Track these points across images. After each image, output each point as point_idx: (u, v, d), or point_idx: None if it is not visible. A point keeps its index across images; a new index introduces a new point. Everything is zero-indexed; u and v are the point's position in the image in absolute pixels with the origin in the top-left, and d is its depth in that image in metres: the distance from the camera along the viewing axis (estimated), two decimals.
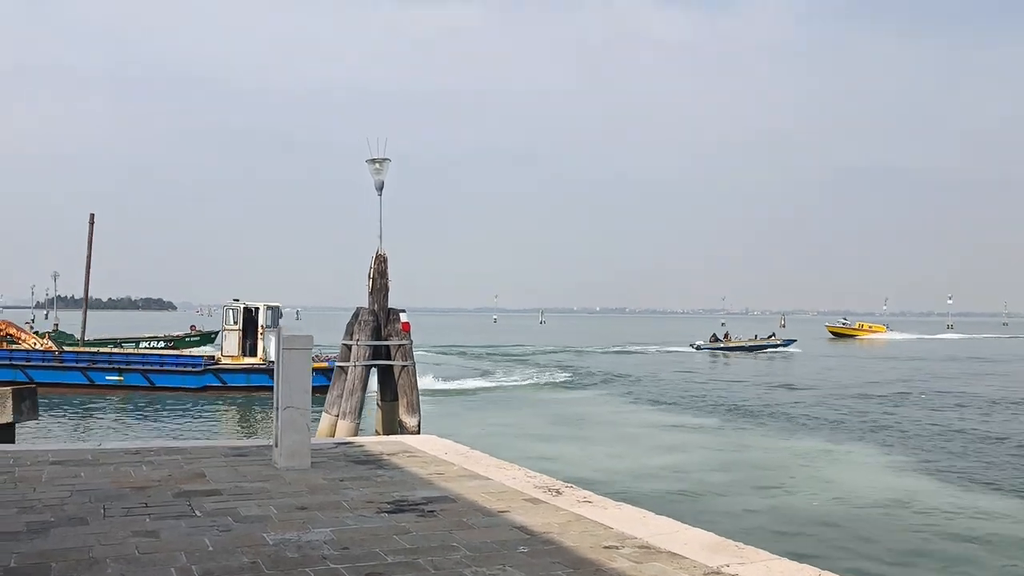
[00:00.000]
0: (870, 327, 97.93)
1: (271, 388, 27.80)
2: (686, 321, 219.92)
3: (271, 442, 7.66)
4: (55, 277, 74.36)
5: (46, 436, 19.22)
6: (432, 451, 8.20)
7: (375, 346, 15.11)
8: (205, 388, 28.71)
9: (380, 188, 15.88)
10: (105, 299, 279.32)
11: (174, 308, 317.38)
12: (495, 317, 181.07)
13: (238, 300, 30.28)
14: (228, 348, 30.02)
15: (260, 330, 29.63)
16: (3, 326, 31.00)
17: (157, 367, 29.43)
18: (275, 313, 31.02)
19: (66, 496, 5.89)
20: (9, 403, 8.99)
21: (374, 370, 15.46)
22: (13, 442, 9.19)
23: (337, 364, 15.44)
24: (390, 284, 15.49)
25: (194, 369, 29.23)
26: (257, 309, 29.90)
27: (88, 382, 28.82)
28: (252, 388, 28.51)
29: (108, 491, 6.08)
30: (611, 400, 30.11)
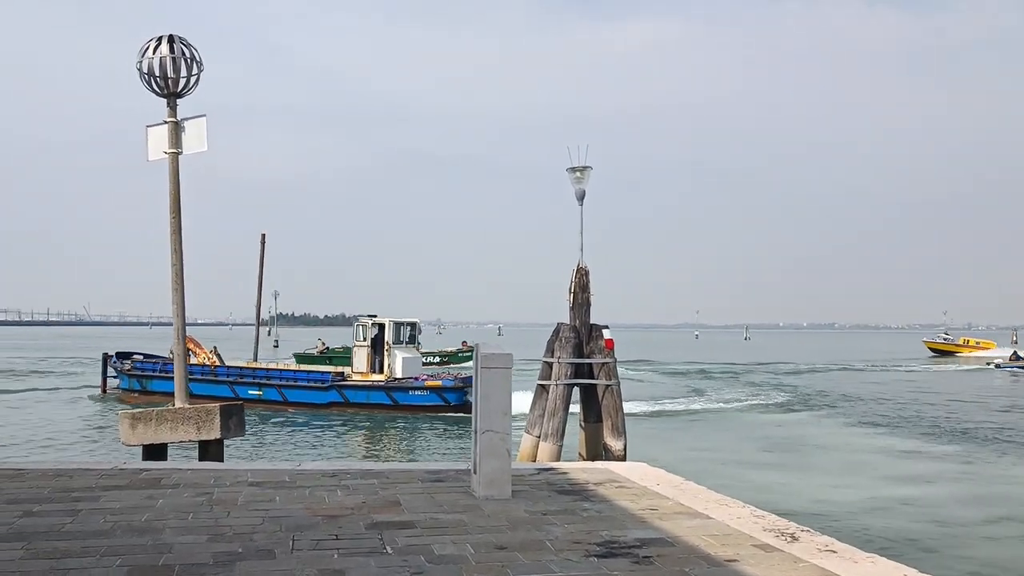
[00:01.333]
0: (976, 343, 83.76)
1: (388, 406, 27.33)
2: (903, 337, 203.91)
3: (469, 467, 7.13)
4: (276, 296, 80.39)
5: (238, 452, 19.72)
6: (641, 481, 7.43)
7: (577, 364, 14.43)
8: (330, 404, 29.22)
9: (581, 197, 15.22)
10: (322, 316, 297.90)
11: None
12: (696, 333, 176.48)
13: (374, 316, 30.35)
14: (357, 364, 30.30)
15: (386, 347, 29.69)
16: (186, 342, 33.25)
17: (291, 383, 30.30)
18: (412, 329, 31.03)
19: (257, 523, 5.62)
20: (217, 420, 9.01)
21: (576, 389, 14.78)
22: (222, 460, 9.23)
23: (538, 382, 14.92)
24: (592, 298, 14.76)
25: (321, 385, 29.80)
26: (384, 325, 29.93)
27: (234, 396, 29.66)
28: (372, 405, 28.74)
29: (300, 519, 5.76)
30: (837, 423, 27.62)
